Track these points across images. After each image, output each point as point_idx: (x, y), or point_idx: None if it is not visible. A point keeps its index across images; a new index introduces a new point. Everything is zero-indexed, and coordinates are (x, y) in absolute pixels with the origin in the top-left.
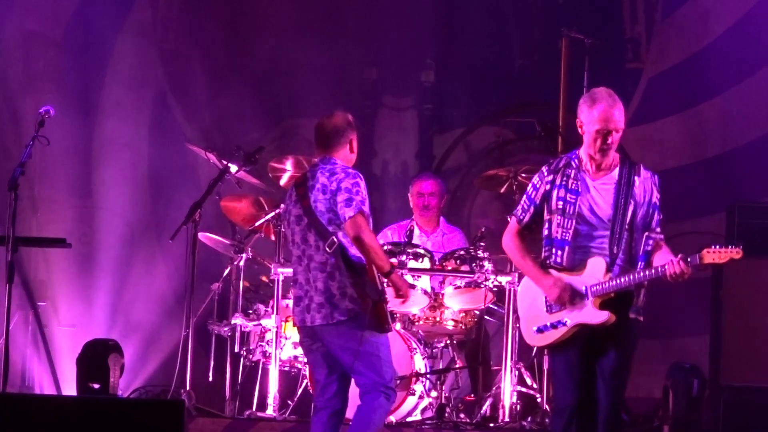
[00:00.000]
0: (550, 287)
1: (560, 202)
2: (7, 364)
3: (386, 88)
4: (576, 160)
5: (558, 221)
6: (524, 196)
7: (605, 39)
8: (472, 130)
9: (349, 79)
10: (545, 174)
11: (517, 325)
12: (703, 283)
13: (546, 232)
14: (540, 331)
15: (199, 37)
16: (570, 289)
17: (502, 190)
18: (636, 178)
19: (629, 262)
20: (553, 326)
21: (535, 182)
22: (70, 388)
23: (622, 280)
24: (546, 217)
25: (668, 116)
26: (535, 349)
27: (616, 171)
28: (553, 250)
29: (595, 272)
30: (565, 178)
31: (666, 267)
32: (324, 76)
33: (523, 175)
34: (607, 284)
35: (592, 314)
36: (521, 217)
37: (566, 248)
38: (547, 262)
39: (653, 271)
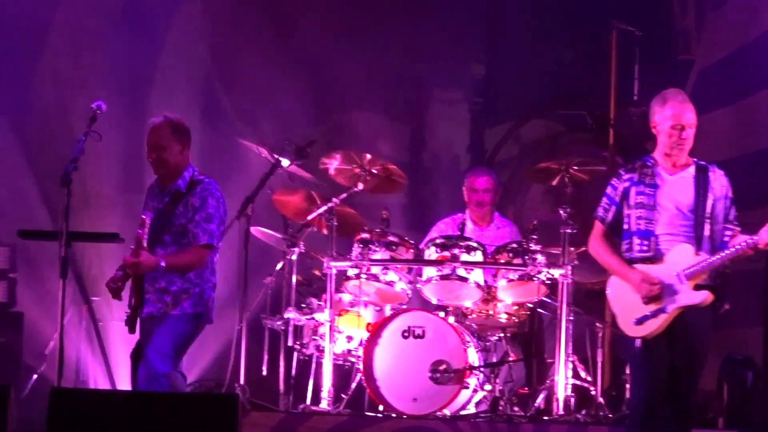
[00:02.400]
0: (639, 283)
1: (640, 197)
2: (62, 358)
3: (436, 82)
4: (651, 161)
5: (638, 214)
6: (604, 198)
7: (655, 31)
8: (523, 122)
9: (399, 72)
10: (623, 174)
11: (571, 317)
12: (756, 274)
13: (626, 227)
14: (640, 321)
15: (248, 30)
16: (658, 283)
17: (554, 183)
18: (711, 174)
19: (711, 250)
20: (654, 315)
21: (614, 183)
22: (124, 383)
23: (715, 258)
24: (626, 212)
25: (719, 108)
26: (588, 341)
27: (691, 168)
28: (637, 241)
29: (683, 257)
30: (642, 176)
31: (760, 235)
32: (374, 69)
33: (575, 167)
34: (699, 265)
35: (691, 296)
36: (604, 217)
37: (651, 238)
38: (629, 255)
39: (743, 243)
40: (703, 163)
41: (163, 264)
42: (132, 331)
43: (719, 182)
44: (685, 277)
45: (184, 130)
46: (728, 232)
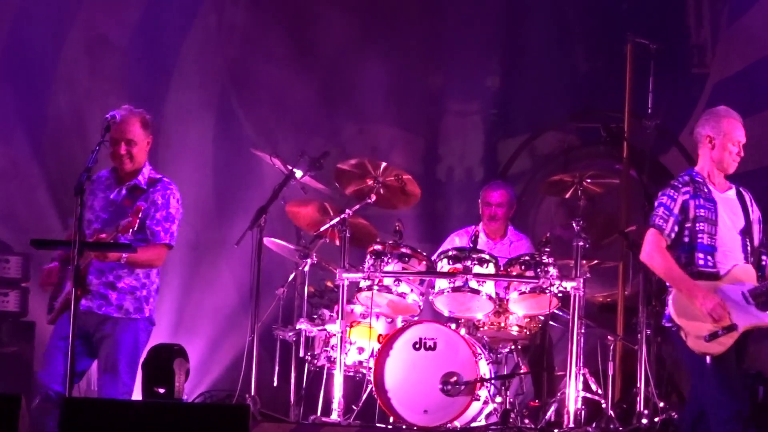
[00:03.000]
0: (703, 299)
1: (701, 210)
2: (73, 368)
3: (451, 94)
4: (699, 176)
5: (700, 228)
6: (660, 209)
7: (671, 44)
8: (537, 135)
9: (414, 84)
10: (680, 186)
11: (583, 330)
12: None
13: (686, 240)
14: (712, 338)
15: (264, 42)
16: (722, 301)
17: (567, 196)
18: (746, 196)
19: (759, 269)
20: (727, 331)
21: (671, 194)
22: (135, 393)
23: None
24: (686, 225)
25: None
26: (599, 354)
27: (732, 190)
28: (700, 255)
29: (747, 276)
30: (697, 190)
31: None
32: (389, 81)
33: (588, 180)
34: (765, 286)
35: (761, 316)
36: (663, 227)
37: (715, 253)
38: (690, 269)
39: None
40: (736, 185)
41: (125, 256)
42: (52, 322)
43: (754, 206)
44: (750, 296)
45: (151, 125)
46: (764, 257)
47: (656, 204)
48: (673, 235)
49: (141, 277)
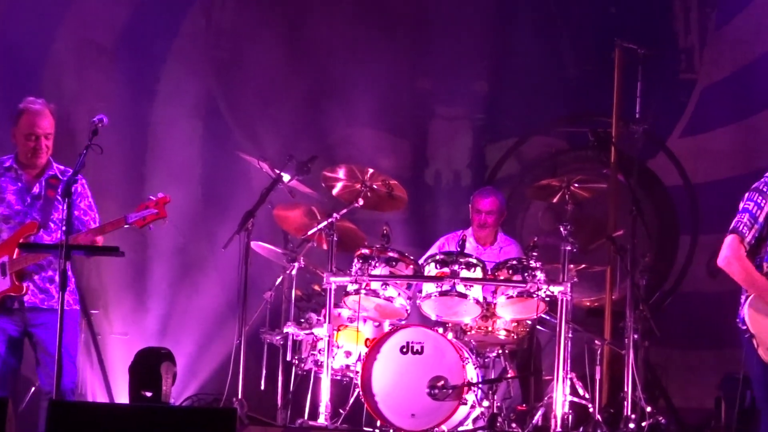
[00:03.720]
0: None
1: None
2: (60, 371)
3: (439, 98)
4: None
5: None
6: (745, 215)
7: (659, 49)
8: (524, 140)
9: (402, 89)
10: (766, 192)
11: (570, 334)
12: None
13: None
14: None
15: (252, 45)
16: None
17: (555, 200)
18: None
19: None
20: None
21: (758, 200)
22: (122, 396)
23: None
24: (766, 232)
25: (721, 127)
26: (587, 359)
27: None
28: None
29: None
30: None
31: None
32: (377, 85)
33: (576, 185)
34: None
35: None
36: (744, 233)
37: None
38: None
39: None
40: None
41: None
42: None
43: None
44: None
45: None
46: None
47: (741, 208)
48: (753, 242)
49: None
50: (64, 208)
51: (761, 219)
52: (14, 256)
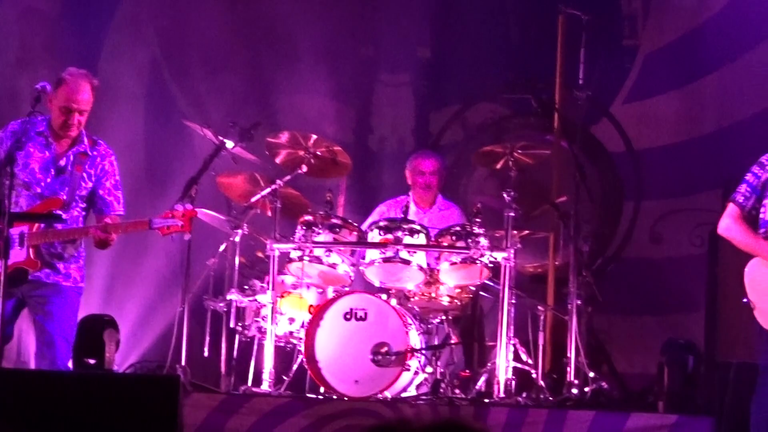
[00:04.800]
0: None
1: None
2: (2, 339)
3: (382, 65)
4: None
5: None
6: (743, 185)
7: (602, 15)
8: (468, 106)
9: (345, 55)
10: (765, 164)
11: (513, 300)
12: (699, 258)
13: (762, 216)
14: None
15: (196, 13)
16: None
17: (499, 166)
18: None
19: None
20: None
21: (756, 171)
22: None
23: None
24: (764, 201)
25: (664, 93)
26: (530, 325)
27: None
28: None
29: None
30: None
31: None
32: (320, 52)
33: (520, 151)
34: None
35: None
36: (744, 204)
37: None
38: None
39: None
40: None
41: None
42: None
43: None
44: None
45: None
46: None
47: (743, 179)
48: (753, 212)
49: (79, 245)
50: (88, 186)
51: (759, 187)
52: (33, 229)
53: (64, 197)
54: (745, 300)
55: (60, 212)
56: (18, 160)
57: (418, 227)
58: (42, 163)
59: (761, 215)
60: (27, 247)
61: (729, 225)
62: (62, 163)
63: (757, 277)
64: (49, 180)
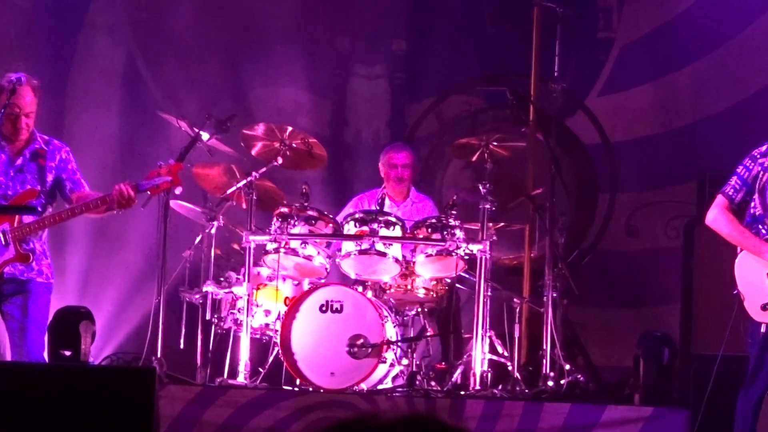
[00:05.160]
0: None
1: None
2: None
3: (358, 57)
4: None
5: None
6: (734, 177)
7: (577, 8)
8: (443, 98)
9: (321, 47)
10: (757, 157)
11: (489, 293)
12: (675, 251)
13: (752, 211)
14: (766, 307)
15: (170, 4)
16: None
17: (474, 159)
18: None
19: None
20: None
21: (747, 164)
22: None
23: None
24: (755, 196)
25: (639, 85)
26: (506, 317)
27: None
28: (763, 227)
29: None
30: None
31: None
32: (296, 44)
33: (495, 143)
34: None
35: None
36: (733, 197)
37: None
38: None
39: None
40: None
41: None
42: None
43: None
44: None
45: (39, 89)
46: None
47: (733, 172)
48: (742, 205)
49: (45, 242)
50: (53, 177)
51: (750, 181)
52: (15, 224)
53: (38, 187)
54: (735, 292)
55: (35, 203)
56: None
57: (393, 219)
58: (1, 166)
59: (751, 209)
60: (12, 243)
61: (716, 216)
62: (19, 162)
63: (746, 269)
64: (10, 182)
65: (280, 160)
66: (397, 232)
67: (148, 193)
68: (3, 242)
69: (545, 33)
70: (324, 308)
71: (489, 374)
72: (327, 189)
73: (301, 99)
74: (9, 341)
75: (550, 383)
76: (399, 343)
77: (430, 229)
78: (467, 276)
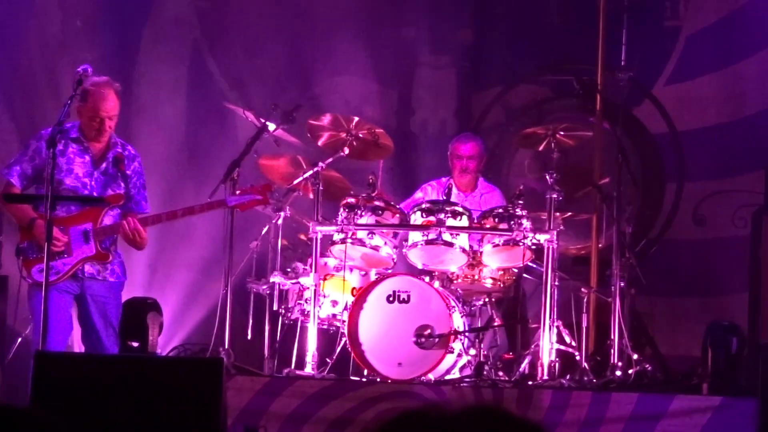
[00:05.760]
0: None
1: None
2: (46, 322)
3: (424, 47)
4: None
5: None
6: None
7: None
8: (510, 88)
9: (387, 37)
10: None
11: (557, 282)
12: (742, 240)
13: None
14: None
15: None
16: None
17: (541, 148)
18: None
19: None
20: None
21: None
22: None
23: None
24: None
25: (706, 74)
26: (573, 307)
27: None
28: None
29: None
30: None
31: None
32: (362, 34)
33: (561, 133)
34: None
35: None
36: None
37: None
38: None
39: None
40: None
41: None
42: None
43: None
44: None
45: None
46: None
47: None
48: None
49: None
50: (128, 184)
51: None
52: (98, 225)
53: (122, 191)
54: None
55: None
56: (62, 166)
57: (460, 209)
58: (84, 167)
59: None
60: (94, 242)
61: None
62: (103, 165)
63: None
64: (94, 183)
65: (346, 151)
66: (464, 222)
67: (238, 210)
68: (84, 239)
69: (611, 22)
70: (391, 298)
71: (557, 364)
72: (393, 179)
73: (367, 89)
74: (82, 338)
75: (618, 373)
76: (466, 334)
77: (497, 219)
78: (534, 266)
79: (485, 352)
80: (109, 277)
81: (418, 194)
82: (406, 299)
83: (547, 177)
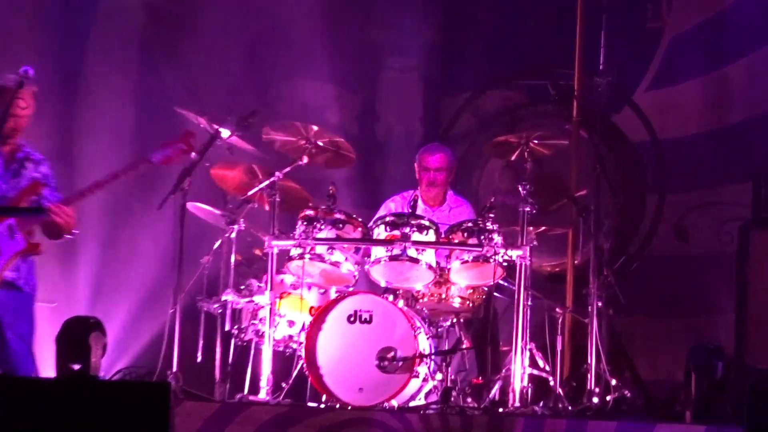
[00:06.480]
0: None
1: None
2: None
3: (389, 49)
4: None
5: None
6: None
7: None
8: (481, 93)
9: (350, 39)
10: None
11: (530, 302)
12: (728, 256)
13: None
14: None
15: None
16: None
17: (513, 158)
18: None
19: None
20: None
21: None
22: (48, 369)
23: None
24: None
25: (690, 79)
26: (547, 328)
27: None
28: None
29: None
30: None
31: None
32: (324, 36)
33: (536, 141)
34: None
35: None
36: None
37: None
38: None
39: None
40: None
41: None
42: None
43: None
44: None
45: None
46: None
47: None
48: None
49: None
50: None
51: None
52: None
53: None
54: None
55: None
56: None
57: (427, 223)
58: None
59: None
60: (21, 234)
61: None
62: (14, 166)
63: None
64: (5, 186)
65: (305, 159)
66: (430, 236)
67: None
68: (9, 235)
69: (590, 23)
70: (352, 318)
71: (529, 390)
72: (356, 190)
73: (329, 93)
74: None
75: (595, 399)
76: (432, 357)
77: (466, 234)
78: (506, 284)
79: (453, 377)
80: (24, 287)
81: (381, 212)
82: (368, 319)
83: (520, 189)
